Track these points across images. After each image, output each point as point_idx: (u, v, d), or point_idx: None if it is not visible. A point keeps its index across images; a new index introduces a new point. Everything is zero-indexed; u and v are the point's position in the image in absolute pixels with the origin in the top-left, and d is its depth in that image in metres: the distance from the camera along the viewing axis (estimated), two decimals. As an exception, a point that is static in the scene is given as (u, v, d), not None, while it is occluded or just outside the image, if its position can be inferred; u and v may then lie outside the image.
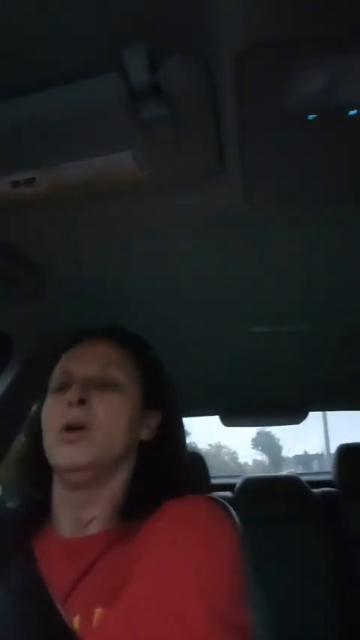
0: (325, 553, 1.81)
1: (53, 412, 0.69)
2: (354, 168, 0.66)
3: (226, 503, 0.69)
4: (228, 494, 2.00)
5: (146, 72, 0.49)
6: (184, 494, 0.66)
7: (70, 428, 0.66)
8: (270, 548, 1.62)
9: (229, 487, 2.06)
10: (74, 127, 0.56)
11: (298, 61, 0.51)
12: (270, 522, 1.79)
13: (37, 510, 0.72)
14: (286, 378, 1.78)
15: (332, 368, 1.63)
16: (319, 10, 0.46)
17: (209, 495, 0.71)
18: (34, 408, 0.81)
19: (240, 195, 0.71)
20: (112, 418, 0.68)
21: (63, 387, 0.70)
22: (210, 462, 2.10)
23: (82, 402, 0.67)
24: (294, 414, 2.17)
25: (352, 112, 0.55)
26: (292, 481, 2.04)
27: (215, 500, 0.67)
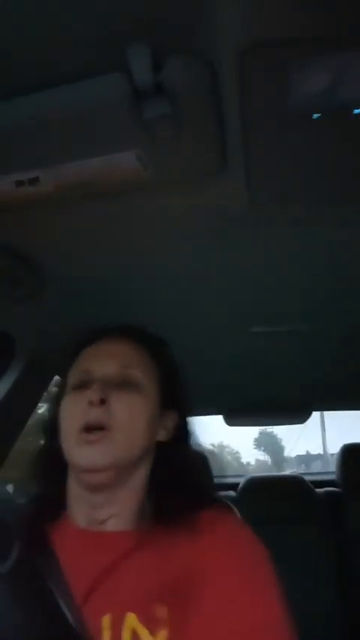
0: (328, 552, 1.81)
1: (73, 411, 0.69)
2: (357, 167, 0.66)
3: (231, 504, 0.69)
4: (231, 493, 2.00)
5: (149, 71, 0.49)
6: (200, 495, 0.69)
7: (90, 428, 0.65)
8: (273, 548, 1.62)
9: (232, 487, 2.07)
10: (78, 126, 0.56)
11: (299, 60, 0.51)
12: (273, 522, 1.79)
13: (50, 504, 0.72)
14: (287, 378, 1.78)
15: (333, 368, 1.63)
16: (319, 10, 0.46)
17: (234, 512, 0.72)
18: (48, 405, 0.80)
19: (242, 194, 0.71)
20: (133, 419, 0.68)
21: (82, 386, 0.70)
22: (212, 462, 2.10)
23: (102, 401, 0.66)
24: (297, 414, 2.17)
25: (357, 111, 0.55)
26: (295, 481, 2.04)
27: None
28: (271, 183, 0.71)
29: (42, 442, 0.79)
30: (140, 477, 0.71)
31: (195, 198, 0.73)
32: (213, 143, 0.61)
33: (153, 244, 0.89)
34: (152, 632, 0.57)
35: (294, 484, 2.01)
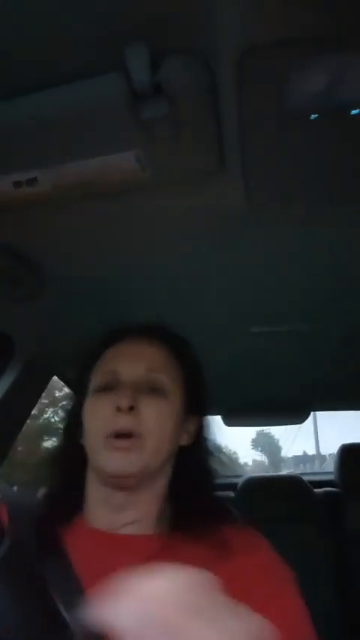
0: (326, 553, 1.81)
1: (99, 415, 0.68)
2: (356, 167, 0.66)
3: (229, 505, 0.70)
4: (230, 493, 2.00)
5: (148, 71, 0.49)
6: (217, 504, 0.71)
7: (119, 435, 0.65)
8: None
9: (230, 487, 2.06)
10: (76, 126, 0.56)
11: (298, 60, 0.51)
12: (271, 522, 1.79)
13: (64, 505, 0.71)
14: (287, 378, 1.78)
15: (333, 368, 1.63)
16: (319, 10, 0.46)
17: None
18: (72, 403, 0.80)
19: (241, 195, 0.71)
20: (161, 425, 0.68)
21: (108, 388, 0.69)
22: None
23: (131, 408, 0.66)
24: (296, 414, 2.17)
25: (354, 112, 0.55)
26: (293, 481, 2.04)
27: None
28: (270, 183, 0.71)
29: (59, 442, 0.78)
30: (162, 481, 0.71)
31: (194, 198, 0.73)
32: (212, 143, 0.61)
33: (153, 244, 0.89)
34: None
35: (292, 484, 2.01)
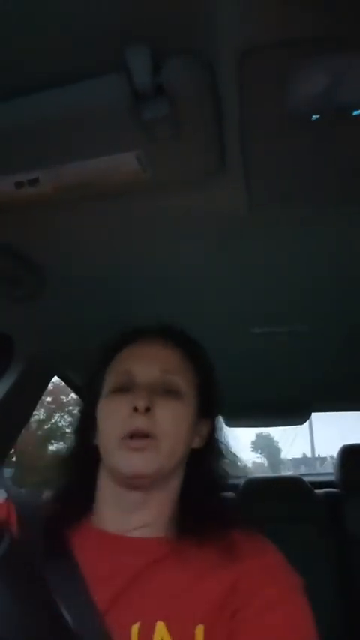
0: (328, 553, 1.81)
1: (115, 415, 0.68)
2: (357, 168, 0.66)
3: (231, 506, 0.70)
4: (231, 494, 2.00)
5: (149, 72, 0.49)
6: (227, 509, 0.71)
7: (135, 435, 0.65)
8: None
9: (232, 488, 2.06)
10: (77, 127, 0.56)
11: (298, 61, 0.51)
12: (272, 522, 1.79)
13: (73, 506, 0.71)
14: (287, 379, 1.78)
15: (333, 368, 1.63)
16: (319, 10, 0.46)
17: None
18: (84, 403, 0.80)
19: (242, 195, 0.71)
20: (176, 427, 0.68)
21: (124, 389, 0.70)
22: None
23: (147, 409, 0.66)
24: (297, 415, 2.16)
25: (356, 113, 0.55)
26: (294, 482, 2.04)
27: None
28: (270, 184, 0.71)
29: (71, 443, 0.78)
30: (175, 483, 0.71)
31: (195, 198, 0.73)
32: (213, 144, 0.61)
33: (153, 244, 0.89)
34: None
35: (293, 485, 2.01)
